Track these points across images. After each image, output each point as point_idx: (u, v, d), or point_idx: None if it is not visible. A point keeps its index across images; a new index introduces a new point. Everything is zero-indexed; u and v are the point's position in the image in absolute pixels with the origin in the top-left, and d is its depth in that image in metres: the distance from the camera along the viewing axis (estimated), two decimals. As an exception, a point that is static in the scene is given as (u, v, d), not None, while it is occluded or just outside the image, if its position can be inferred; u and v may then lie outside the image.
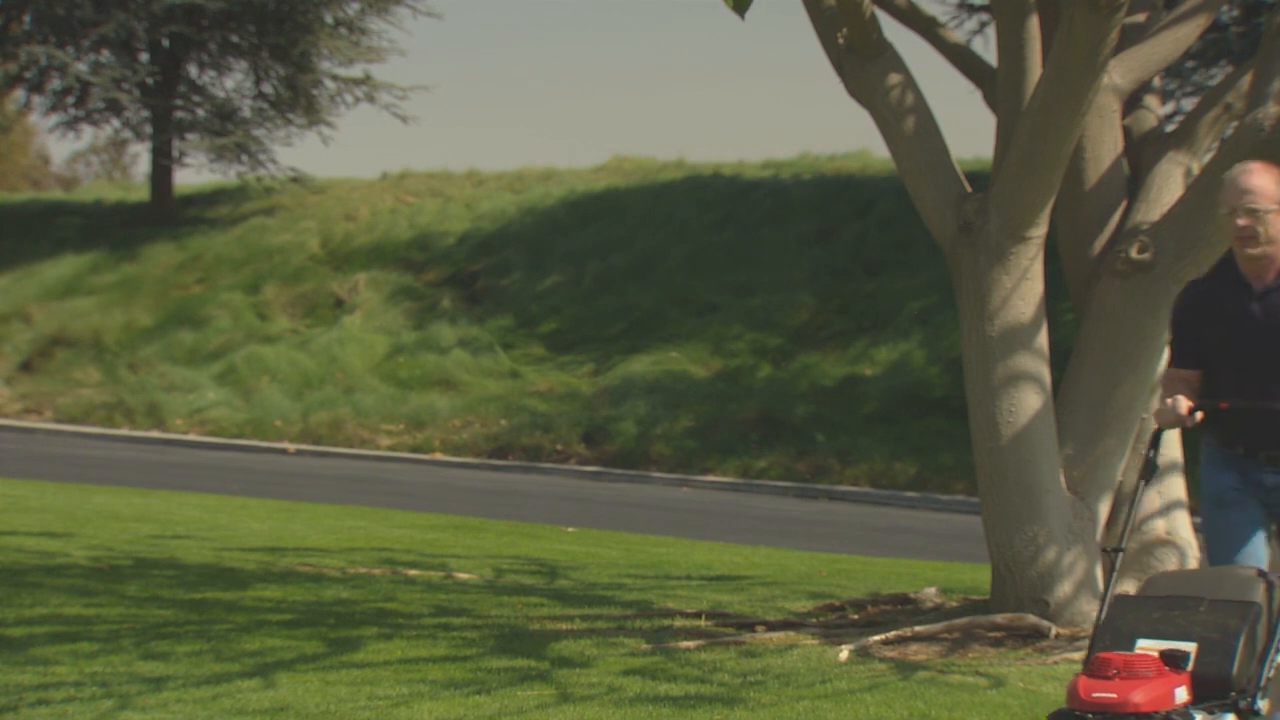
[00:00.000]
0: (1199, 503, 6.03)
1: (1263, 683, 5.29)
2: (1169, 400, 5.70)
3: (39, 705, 6.69)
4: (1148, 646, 5.16)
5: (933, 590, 9.54)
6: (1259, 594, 5.34)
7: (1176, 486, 9.00)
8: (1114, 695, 4.98)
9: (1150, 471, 5.73)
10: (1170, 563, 8.84)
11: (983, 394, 8.63)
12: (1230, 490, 5.91)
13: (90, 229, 29.02)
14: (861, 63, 8.79)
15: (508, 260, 25.34)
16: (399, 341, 23.97)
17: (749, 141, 72.10)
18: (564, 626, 8.81)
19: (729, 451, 19.93)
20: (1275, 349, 5.81)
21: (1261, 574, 5.44)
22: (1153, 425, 5.91)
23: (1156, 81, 9.57)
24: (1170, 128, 9.84)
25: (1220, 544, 5.94)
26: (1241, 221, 5.78)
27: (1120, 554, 5.59)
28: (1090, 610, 8.60)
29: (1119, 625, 5.29)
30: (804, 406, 20.54)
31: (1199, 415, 5.70)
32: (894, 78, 8.77)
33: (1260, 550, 5.88)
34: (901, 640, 8.44)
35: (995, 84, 9.06)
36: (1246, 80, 8.91)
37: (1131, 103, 9.31)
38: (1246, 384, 5.80)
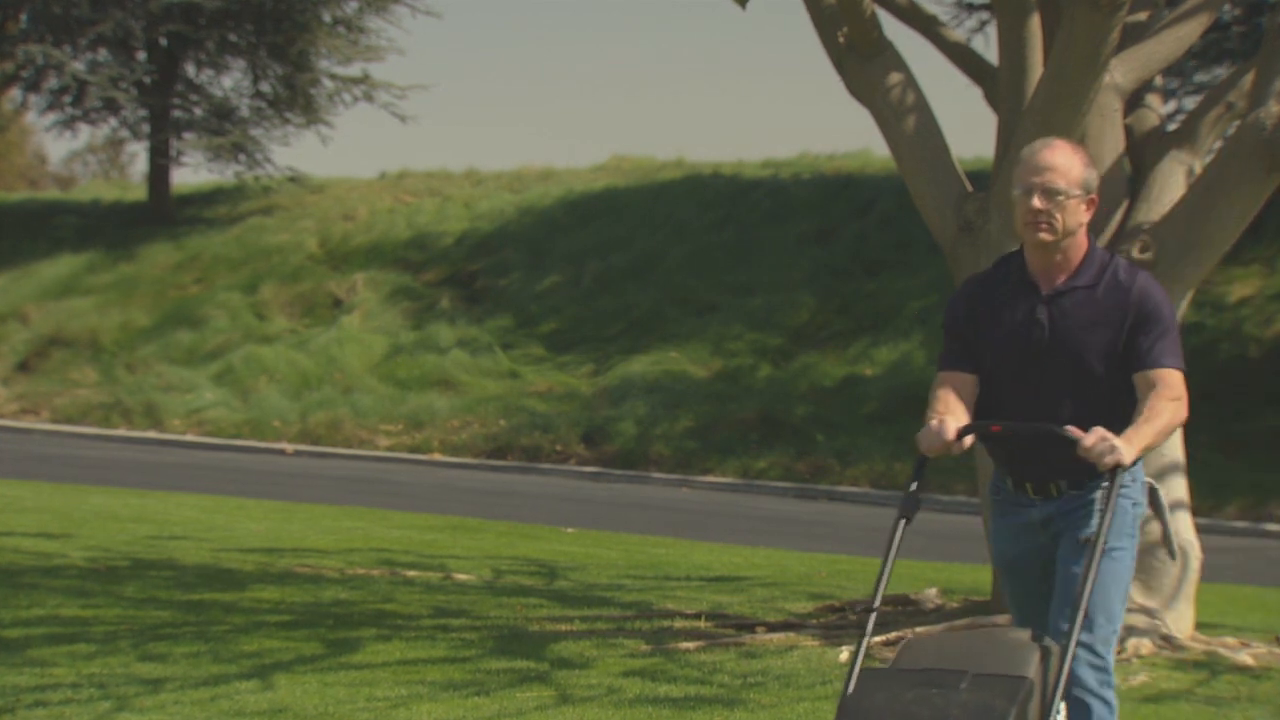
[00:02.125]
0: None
1: None
2: (934, 421, 4.77)
3: (36, 707, 6.66)
4: None
5: (933, 591, 9.52)
6: (1032, 666, 4.46)
7: (1178, 486, 8.97)
8: None
9: (910, 508, 4.77)
10: (1171, 564, 8.81)
11: (984, 394, 8.59)
12: (1009, 548, 5.01)
13: (87, 228, 28.99)
14: (862, 61, 8.76)
15: (507, 260, 25.31)
16: (397, 342, 23.94)
17: (748, 141, 72.14)
18: (563, 627, 8.78)
19: (729, 452, 19.91)
20: (1063, 364, 4.84)
21: (1037, 639, 4.58)
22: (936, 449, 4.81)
23: (1158, 80, 9.54)
24: (1172, 127, 9.83)
25: (1016, 617, 5.10)
26: (1036, 204, 4.82)
27: (873, 614, 4.69)
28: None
29: (865, 709, 4.39)
30: (804, 407, 20.51)
31: (966, 440, 4.76)
32: (894, 76, 8.75)
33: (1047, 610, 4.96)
34: (902, 641, 8.41)
35: (996, 83, 9.03)
36: (1248, 79, 8.89)
37: (1133, 102, 9.29)
38: (1027, 403, 4.84)
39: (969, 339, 4.94)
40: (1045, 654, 4.53)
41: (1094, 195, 4.86)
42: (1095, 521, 4.78)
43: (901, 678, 4.48)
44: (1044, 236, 4.83)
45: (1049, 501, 4.89)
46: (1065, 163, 4.84)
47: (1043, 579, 4.94)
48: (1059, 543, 4.89)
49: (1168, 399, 4.74)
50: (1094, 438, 4.62)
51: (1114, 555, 4.79)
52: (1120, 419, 4.74)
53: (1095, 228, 9.01)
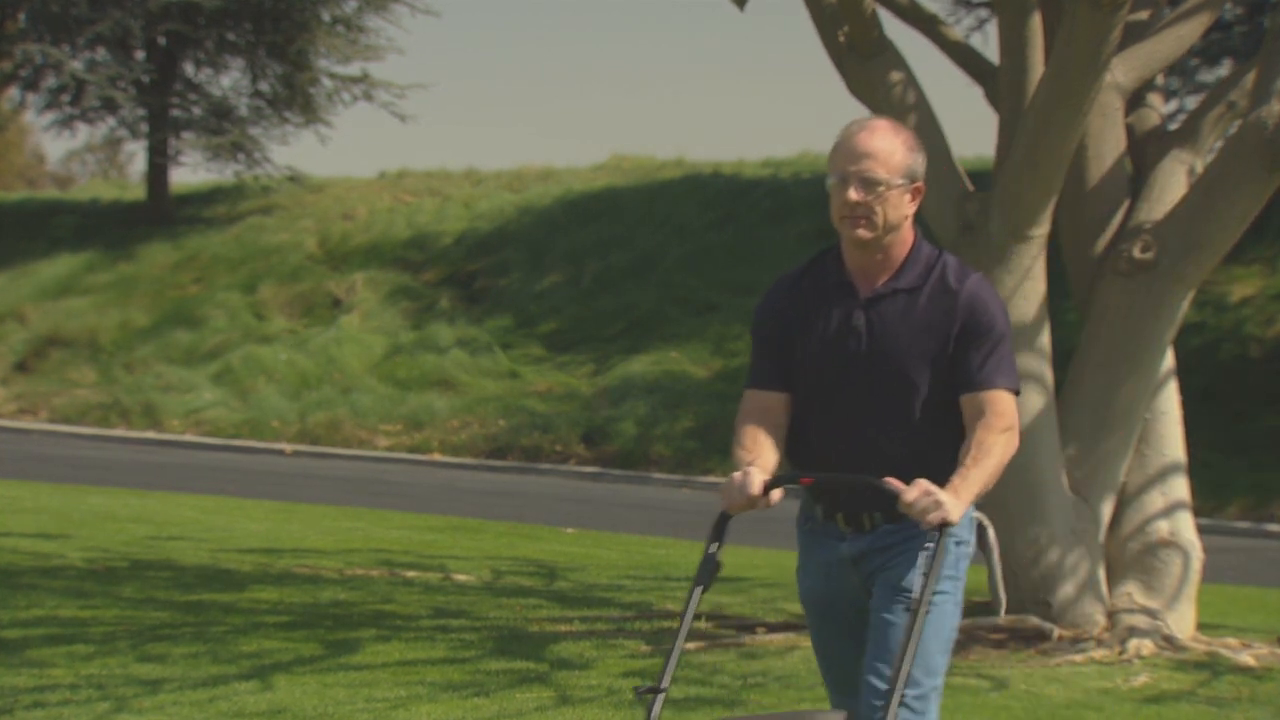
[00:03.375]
0: None
1: None
2: (737, 474, 4.14)
3: (34, 708, 6.64)
4: None
5: (934, 591, 9.49)
6: None
7: (1180, 486, 8.96)
8: None
9: (708, 575, 4.16)
10: (1173, 565, 8.79)
11: (985, 394, 8.57)
12: (818, 584, 4.37)
13: (86, 228, 28.96)
14: (862, 61, 8.75)
15: (506, 260, 25.29)
16: (397, 341, 23.92)
17: (748, 140, 72.16)
18: (563, 628, 8.76)
19: (729, 452, 19.85)
20: (883, 379, 4.21)
21: None
22: (766, 498, 4.14)
23: (1159, 80, 9.53)
24: (1173, 126, 9.82)
25: (819, 661, 4.47)
26: (853, 195, 4.18)
27: (660, 696, 4.21)
28: (1093, 612, 8.56)
29: None
30: (803, 406, 20.48)
31: (774, 496, 4.11)
32: (895, 75, 8.73)
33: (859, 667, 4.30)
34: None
35: (996, 82, 9.02)
36: (1250, 78, 8.87)
37: (1134, 101, 9.27)
38: (844, 423, 4.24)
39: (779, 350, 4.30)
40: None
41: (920, 183, 4.27)
42: (915, 575, 4.21)
43: None
44: (862, 234, 4.20)
45: (861, 535, 4.27)
46: (885, 147, 4.22)
47: (854, 624, 4.32)
48: (872, 584, 4.28)
49: (999, 430, 4.14)
50: (916, 492, 4.03)
51: (934, 602, 4.19)
52: (949, 444, 4.18)
53: (1097, 228, 9.01)
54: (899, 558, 4.23)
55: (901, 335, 4.20)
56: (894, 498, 4.04)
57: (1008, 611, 8.55)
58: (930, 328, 4.19)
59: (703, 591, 4.16)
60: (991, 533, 4.39)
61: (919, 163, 4.29)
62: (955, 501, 4.03)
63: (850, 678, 4.31)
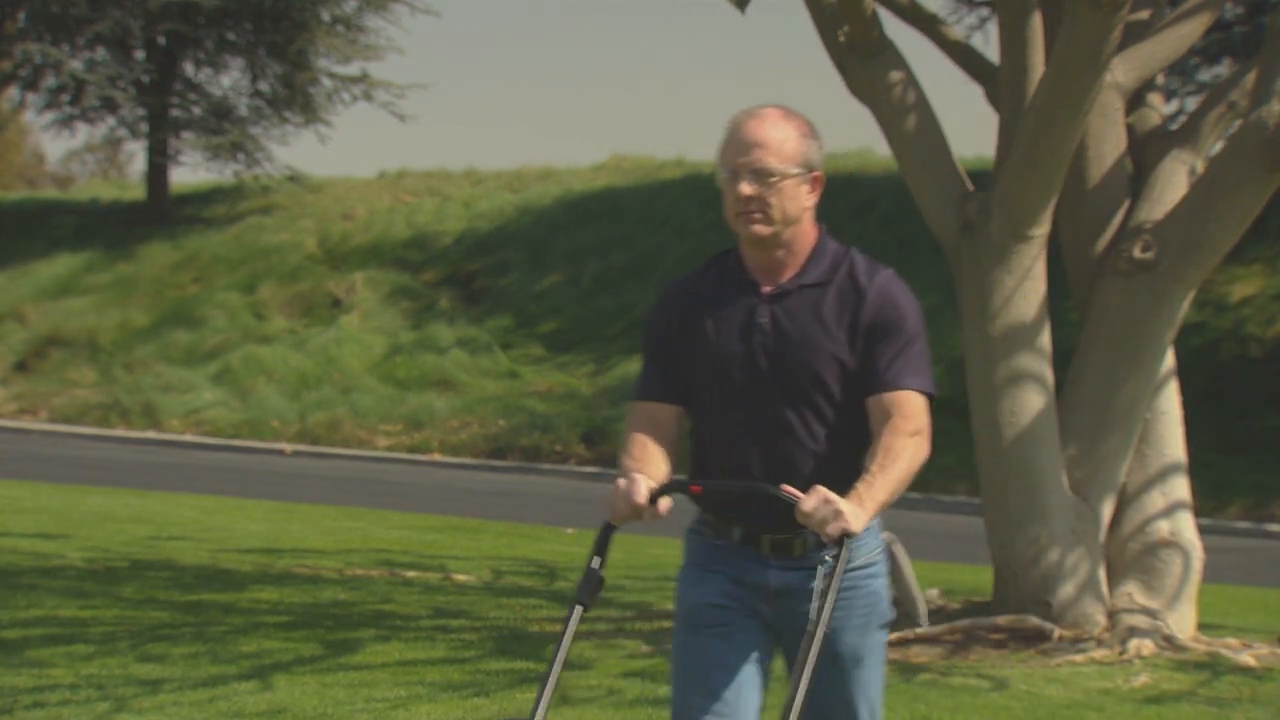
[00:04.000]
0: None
1: None
2: (621, 481, 3.87)
3: (34, 708, 6.63)
4: None
5: (935, 592, 9.49)
6: None
7: (1180, 487, 8.95)
8: None
9: (590, 592, 3.90)
10: (1174, 565, 8.78)
11: (985, 394, 8.58)
12: (713, 604, 3.93)
13: (85, 228, 28.95)
14: (862, 60, 8.74)
15: (506, 260, 25.28)
16: (397, 341, 23.91)
17: (747, 140, 72.01)
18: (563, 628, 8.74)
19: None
20: (788, 379, 3.89)
21: None
22: (646, 514, 3.87)
23: (1160, 79, 9.52)
24: (1174, 126, 9.80)
25: (689, 687, 3.91)
26: (745, 190, 3.88)
27: None
28: (1093, 612, 8.56)
29: None
30: (803, 406, 20.49)
31: (662, 505, 3.83)
32: (895, 75, 8.73)
33: (750, 701, 3.89)
34: (903, 642, 8.39)
35: (997, 82, 9.01)
36: (1250, 78, 8.85)
37: (1134, 101, 9.26)
38: (750, 432, 3.90)
39: (673, 358, 3.97)
40: None
41: (818, 172, 3.95)
42: (855, 619, 3.86)
43: None
44: (758, 230, 3.88)
45: (790, 569, 3.89)
46: (778, 136, 3.88)
47: (733, 654, 3.88)
48: (793, 630, 3.85)
49: (906, 434, 3.83)
50: (814, 501, 3.69)
51: (867, 664, 3.91)
52: (859, 451, 3.86)
53: (1098, 228, 9.00)
54: (847, 608, 3.85)
55: (809, 331, 3.90)
56: (790, 506, 3.72)
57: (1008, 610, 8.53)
58: (839, 324, 3.90)
59: (584, 610, 3.86)
60: (901, 550, 4.04)
61: (815, 150, 3.95)
62: (857, 510, 3.70)
63: (727, 683, 3.88)
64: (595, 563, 3.90)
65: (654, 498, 3.82)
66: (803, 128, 3.93)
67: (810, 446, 3.88)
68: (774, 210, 3.88)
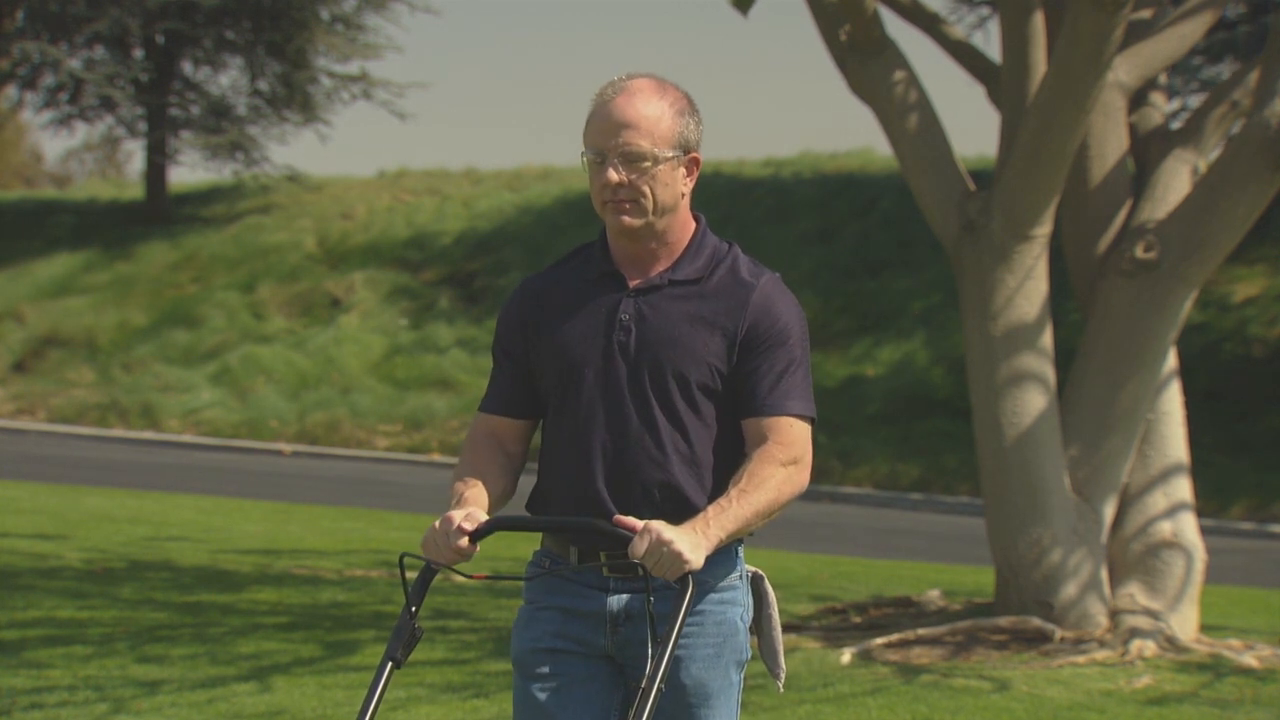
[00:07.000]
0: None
1: None
2: (438, 525, 3.50)
3: (32, 709, 6.61)
4: None
5: (936, 593, 9.47)
6: None
7: (1182, 487, 8.93)
8: None
9: (406, 645, 3.50)
10: (1176, 566, 8.76)
11: (986, 395, 8.56)
12: (543, 649, 3.55)
13: (84, 227, 28.92)
14: (864, 60, 8.72)
15: (506, 259, 25.26)
16: (396, 341, 23.89)
17: (749, 139, 72.17)
18: (563, 629, 8.72)
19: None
20: (653, 381, 3.47)
21: None
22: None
23: (1162, 78, 9.50)
24: (1176, 125, 9.77)
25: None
26: (613, 176, 3.44)
27: None
28: (1095, 613, 8.53)
29: None
30: (803, 406, 20.46)
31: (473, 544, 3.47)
32: (896, 75, 8.71)
33: None
34: (904, 643, 8.37)
35: (998, 81, 8.99)
36: (1253, 77, 8.84)
37: (1137, 100, 9.24)
38: (608, 444, 3.48)
39: (521, 363, 3.57)
40: None
41: (695, 153, 3.51)
42: (704, 649, 3.49)
43: None
44: (628, 221, 3.45)
45: (632, 592, 3.49)
46: (650, 114, 3.43)
47: (572, 695, 3.51)
48: (635, 661, 3.50)
49: (780, 462, 3.43)
50: (644, 543, 3.30)
51: (716, 706, 3.51)
52: (724, 472, 3.47)
53: (1100, 227, 8.98)
54: (691, 644, 3.47)
55: (678, 331, 3.46)
56: (624, 542, 3.33)
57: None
58: (714, 327, 3.46)
59: (394, 668, 3.45)
60: (766, 584, 3.61)
61: (692, 127, 3.49)
62: (698, 542, 3.30)
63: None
64: (413, 610, 3.48)
65: (475, 538, 3.45)
66: (679, 103, 3.48)
67: (661, 462, 3.46)
68: (646, 199, 3.44)
